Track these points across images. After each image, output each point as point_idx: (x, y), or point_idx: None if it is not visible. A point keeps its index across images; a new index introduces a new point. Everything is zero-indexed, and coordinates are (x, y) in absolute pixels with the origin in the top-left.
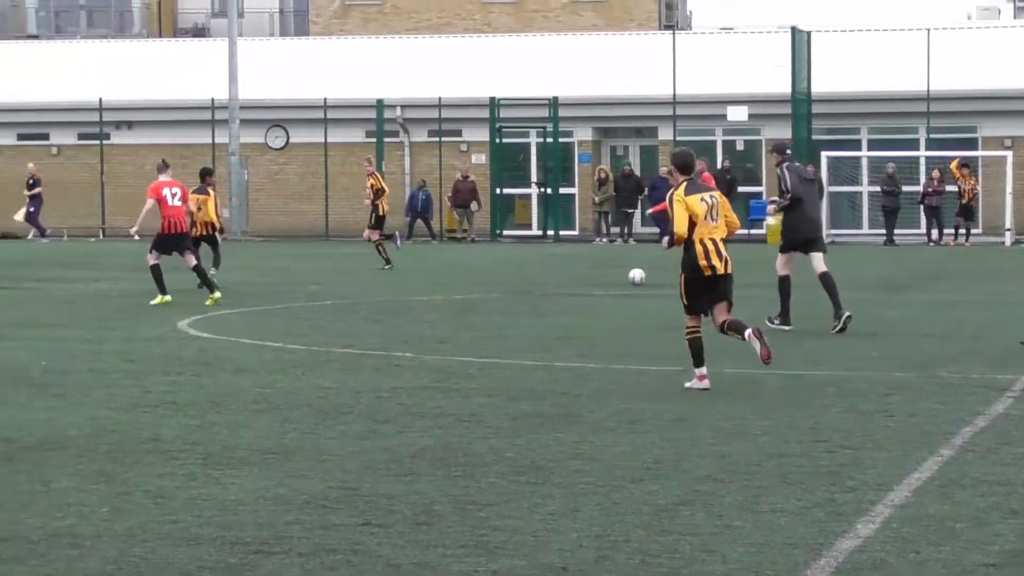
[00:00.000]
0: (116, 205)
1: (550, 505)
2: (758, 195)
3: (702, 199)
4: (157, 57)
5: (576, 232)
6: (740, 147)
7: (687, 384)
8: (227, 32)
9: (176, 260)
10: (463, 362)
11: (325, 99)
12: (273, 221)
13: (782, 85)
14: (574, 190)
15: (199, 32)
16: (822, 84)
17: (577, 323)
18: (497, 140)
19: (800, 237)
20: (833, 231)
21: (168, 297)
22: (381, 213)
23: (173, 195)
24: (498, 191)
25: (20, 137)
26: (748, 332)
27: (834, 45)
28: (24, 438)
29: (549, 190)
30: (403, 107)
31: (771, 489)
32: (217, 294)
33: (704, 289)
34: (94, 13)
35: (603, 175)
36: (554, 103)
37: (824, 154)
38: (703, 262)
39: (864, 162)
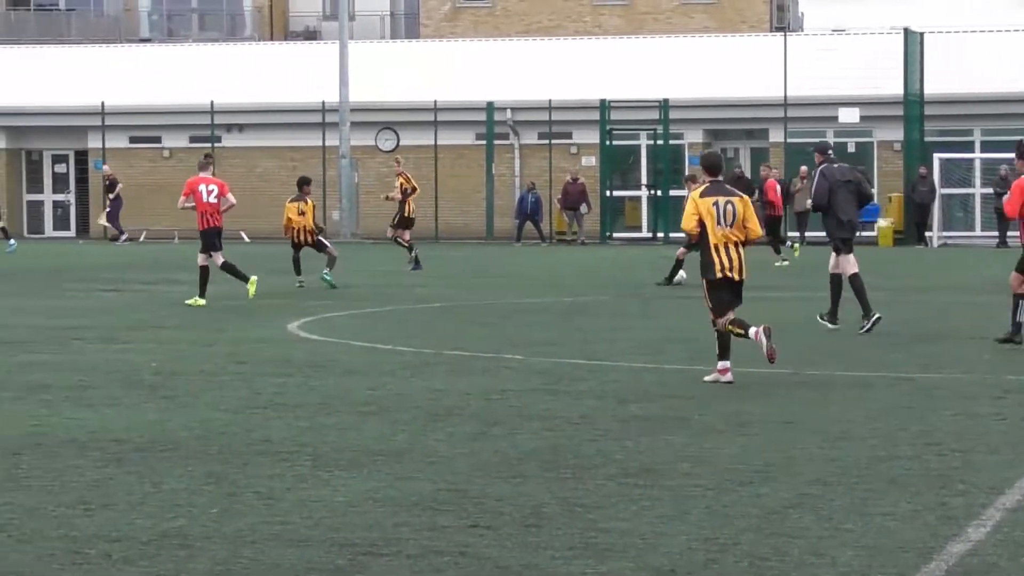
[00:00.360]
0: None
1: (659, 508)
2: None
3: (715, 203)
4: (268, 60)
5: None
6: (852, 149)
7: (707, 378)
8: (338, 35)
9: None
10: (572, 364)
11: (435, 101)
12: (383, 223)
13: (894, 87)
14: (685, 192)
15: (310, 35)
16: (935, 85)
17: (686, 325)
18: (607, 142)
19: (839, 236)
20: (945, 233)
21: (254, 277)
22: (407, 213)
23: (209, 192)
24: (608, 193)
25: (132, 140)
26: (754, 331)
27: (947, 46)
28: (135, 439)
29: (659, 192)
30: (513, 109)
31: (881, 492)
32: (202, 301)
33: (726, 290)
34: (206, 16)
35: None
36: (665, 105)
37: (936, 156)
38: (717, 268)
39: (977, 164)
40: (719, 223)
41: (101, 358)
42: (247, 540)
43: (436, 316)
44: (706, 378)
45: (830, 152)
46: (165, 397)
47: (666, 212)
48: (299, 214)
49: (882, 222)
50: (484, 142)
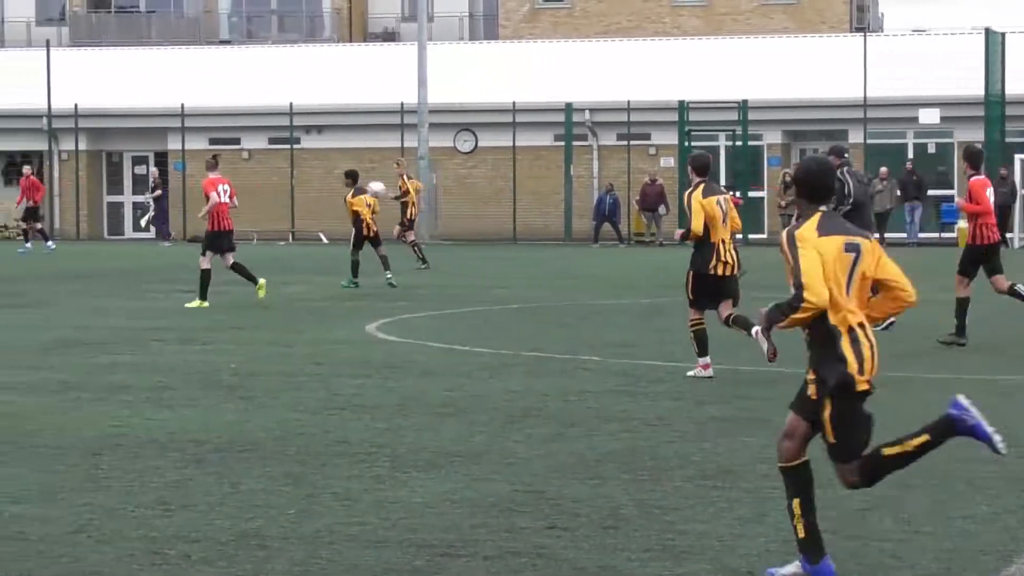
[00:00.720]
0: (306, 209)
1: (737, 509)
2: (949, 199)
3: (718, 202)
4: (347, 61)
5: (765, 235)
6: (932, 150)
7: (690, 373)
8: (417, 36)
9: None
10: (650, 366)
11: (514, 103)
12: (461, 225)
13: (975, 87)
14: (763, 193)
15: (389, 36)
16: (1016, 86)
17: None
18: (686, 143)
19: None
20: None
21: (263, 280)
22: (410, 216)
23: (225, 192)
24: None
25: (212, 142)
26: (756, 331)
27: None
28: (214, 440)
29: (738, 193)
30: (592, 110)
31: (960, 495)
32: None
33: (710, 287)
34: (285, 18)
35: (788, 178)
36: (743, 106)
37: (1017, 157)
38: (712, 263)
39: None
40: (722, 221)
41: (180, 359)
42: (325, 541)
43: (514, 317)
44: (689, 373)
45: (846, 155)
46: (244, 398)
47: (745, 213)
48: (367, 206)
49: (962, 223)
50: (562, 143)
